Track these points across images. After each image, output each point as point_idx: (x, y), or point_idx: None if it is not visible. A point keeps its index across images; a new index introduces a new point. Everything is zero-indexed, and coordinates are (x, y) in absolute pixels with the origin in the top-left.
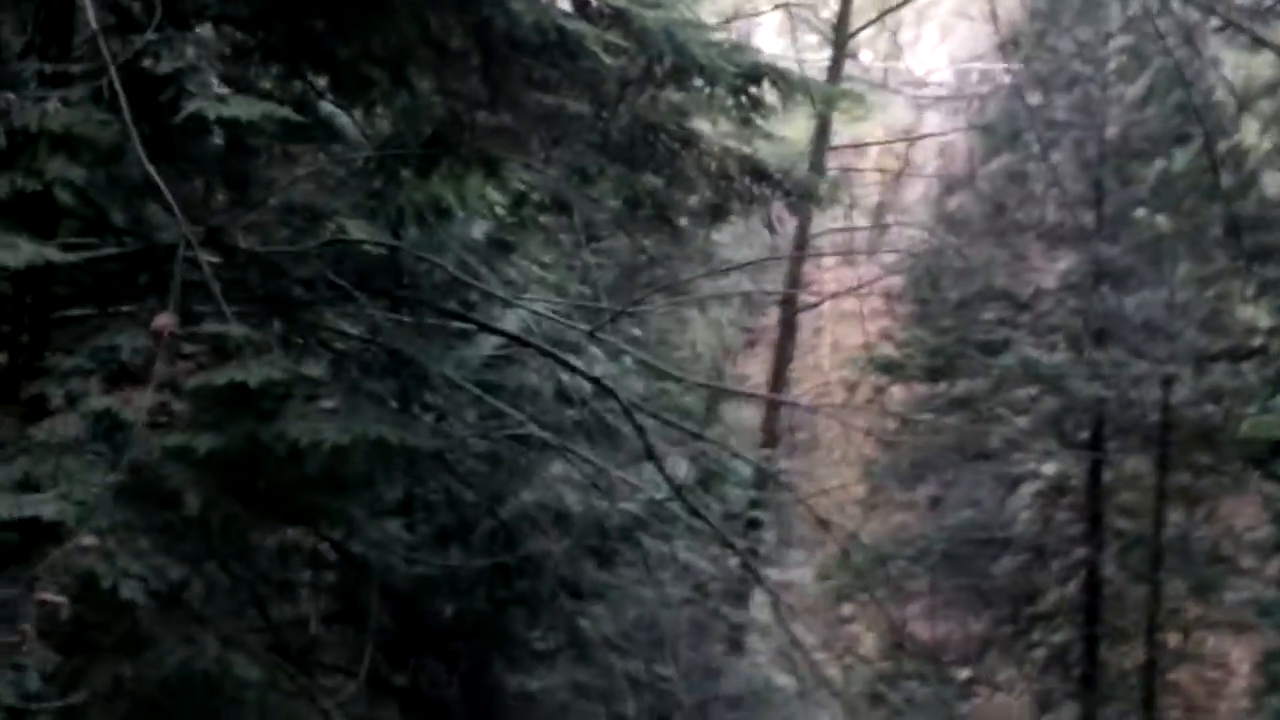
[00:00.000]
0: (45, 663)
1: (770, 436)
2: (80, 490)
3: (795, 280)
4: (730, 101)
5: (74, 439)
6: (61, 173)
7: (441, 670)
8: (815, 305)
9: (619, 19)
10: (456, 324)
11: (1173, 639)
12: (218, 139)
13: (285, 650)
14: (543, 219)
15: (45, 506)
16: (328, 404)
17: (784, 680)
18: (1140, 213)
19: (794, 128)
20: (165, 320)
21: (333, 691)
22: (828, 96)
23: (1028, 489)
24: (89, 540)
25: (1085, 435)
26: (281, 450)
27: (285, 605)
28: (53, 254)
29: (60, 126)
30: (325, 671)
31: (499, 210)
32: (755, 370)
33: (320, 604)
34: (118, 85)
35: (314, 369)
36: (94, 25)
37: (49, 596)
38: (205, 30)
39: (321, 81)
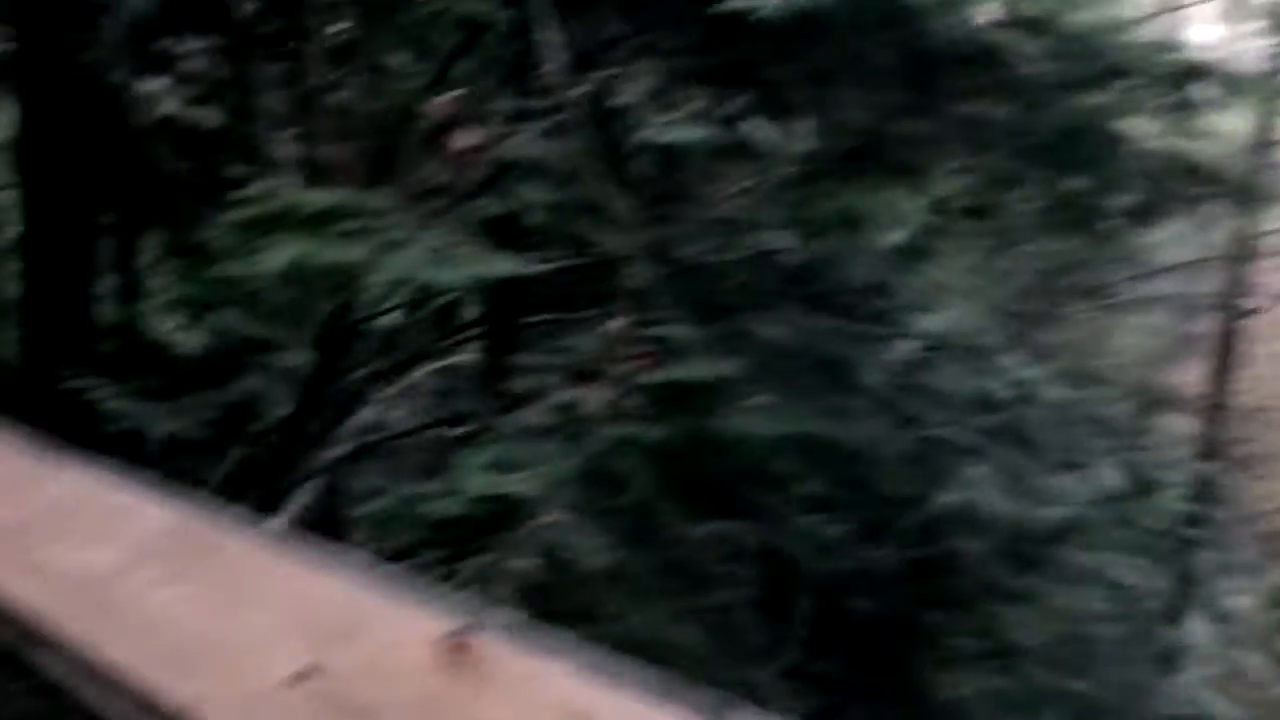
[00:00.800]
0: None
1: (1210, 448)
2: (545, 472)
3: (1237, 283)
4: (1158, 101)
5: (541, 428)
6: (530, 196)
7: (863, 666)
8: (1263, 309)
9: (1038, 26)
10: (875, 328)
11: None
12: (660, 161)
13: (714, 634)
14: (962, 224)
15: (516, 485)
16: (759, 401)
17: (1225, 709)
18: None
19: (1241, 120)
20: (618, 324)
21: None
22: (1267, 90)
23: None
24: (552, 517)
25: None
26: (718, 444)
27: (712, 593)
28: (522, 267)
29: (529, 156)
30: (751, 657)
31: (917, 217)
32: (1192, 379)
33: (745, 593)
34: (577, 118)
35: (745, 369)
36: (554, 66)
37: (521, 562)
38: (647, 61)
39: (745, 100)
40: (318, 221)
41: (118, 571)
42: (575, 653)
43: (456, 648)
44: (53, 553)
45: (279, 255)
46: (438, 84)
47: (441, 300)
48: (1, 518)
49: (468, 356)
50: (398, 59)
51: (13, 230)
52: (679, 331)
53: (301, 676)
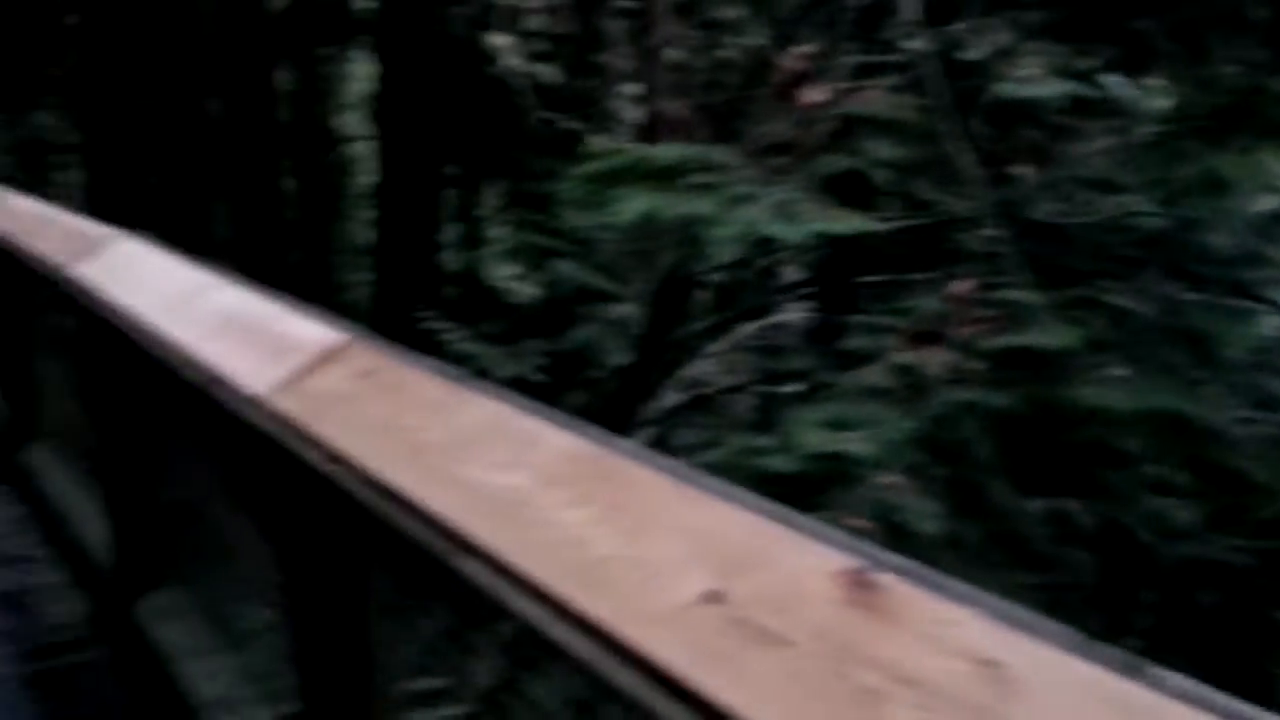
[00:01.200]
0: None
1: None
2: (881, 434)
3: None
4: None
5: (878, 388)
6: (877, 153)
7: (1209, 662)
8: None
9: None
10: (1239, 301)
11: None
12: (1011, 118)
13: (1050, 614)
14: None
15: (852, 444)
16: (1113, 373)
17: None
18: None
19: None
20: (961, 286)
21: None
22: None
23: None
24: (887, 479)
25: None
26: (1064, 415)
27: (1049, 571)
28: (869, 225)
29: (878, 112)
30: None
31: None
32: None
33: (1084, 575)
34: (926, 73)
35: (1095, 338)
36: (904, 20)
37: (854, 521)
38: (1000, 14)
39: (1104, 55)
40: (666, 175)
41: (530, 492)
42: (980, 599)
43: (859, 584)
44: (471, 472)
45: (633, 206)
46: (784, 39)
47: (774, 257)
48: (424, 438)
49: (795, 314)
50: (736, 13)
51: (367, 180)
52: (1025, 296)
53: (709, 599)
